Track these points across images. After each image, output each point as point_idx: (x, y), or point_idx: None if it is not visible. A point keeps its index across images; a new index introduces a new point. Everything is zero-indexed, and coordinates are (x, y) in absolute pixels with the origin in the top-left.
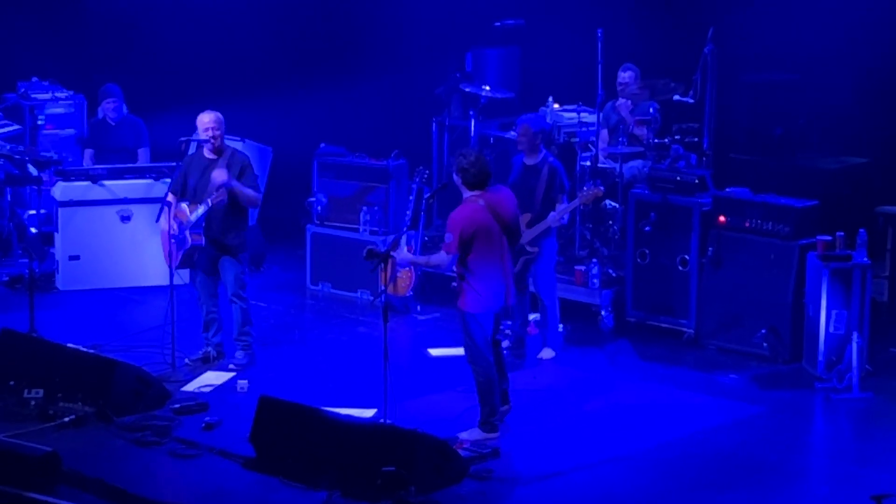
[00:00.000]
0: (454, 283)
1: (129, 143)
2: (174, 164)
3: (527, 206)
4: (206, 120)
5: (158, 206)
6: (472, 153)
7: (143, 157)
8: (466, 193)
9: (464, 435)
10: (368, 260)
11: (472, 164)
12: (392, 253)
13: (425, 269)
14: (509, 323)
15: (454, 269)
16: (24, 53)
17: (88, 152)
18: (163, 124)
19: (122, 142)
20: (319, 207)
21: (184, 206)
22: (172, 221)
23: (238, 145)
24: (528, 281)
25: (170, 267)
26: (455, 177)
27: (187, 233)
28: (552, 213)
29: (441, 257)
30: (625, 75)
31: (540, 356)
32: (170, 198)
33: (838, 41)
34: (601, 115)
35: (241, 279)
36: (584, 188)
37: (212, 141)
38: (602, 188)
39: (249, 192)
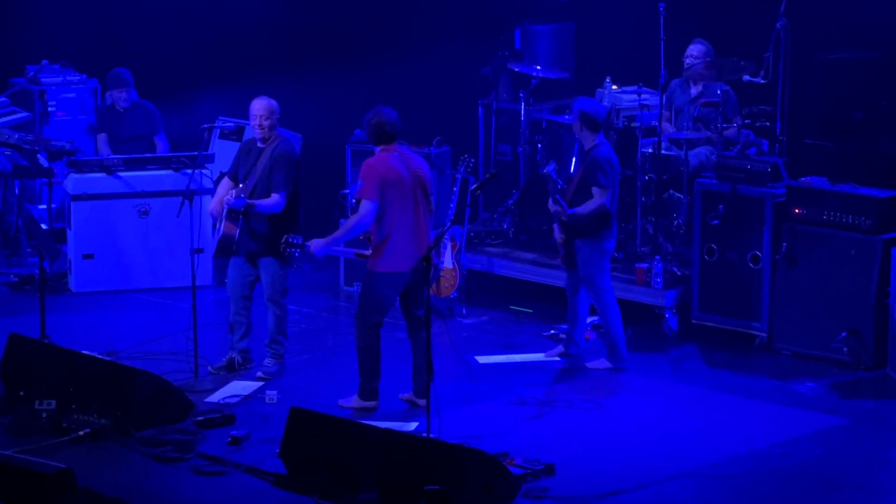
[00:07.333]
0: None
1: (142, 131)
2: (195, 153)
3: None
4: (255, 108)
5: (179, 199)
6: (377, 111)
7: (161, 146)
8: (379, 148)
9: (342, 403)
10: (286, 248)
11: (385, 117)
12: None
13: (352, 242)
14: (565, 327)
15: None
16: (34, 35)
17: (102, 137)
18: (180, 110)
19: (133, 129)
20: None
21: (232, 192)
22: (216, 205)
23: None
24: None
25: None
26: (368, 137)
27: (222, 221)
28: (552, 205)
29: (361, 209)
30: (691, 48)
31: (588, 365)
32: (224, 182)
33: None
34: (665, 96)
35: (280, 283)
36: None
37: (258, 130)
38: (556, 205)
39: (263, 205)
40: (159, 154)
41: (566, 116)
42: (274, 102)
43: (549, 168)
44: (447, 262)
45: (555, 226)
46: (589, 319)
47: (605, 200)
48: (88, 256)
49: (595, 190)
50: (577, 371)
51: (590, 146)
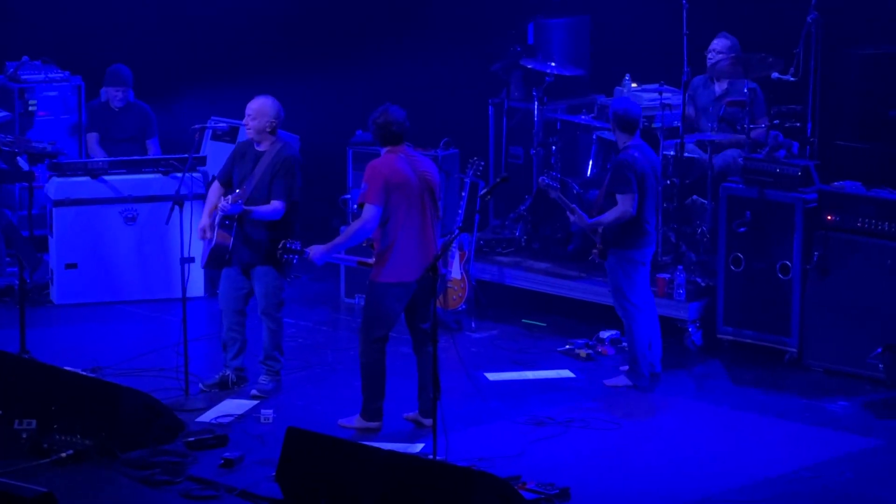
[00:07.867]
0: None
1: (136, 133)
2: (186, 155)
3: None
4: (249, 107)
5: (169, 205)
6: (384, 109)
7: (153, 151)
8: (385, 149)
9: (343, 422)
10: (284, 255)
11: (393, 116)
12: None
13: (351, 249)
14: (582, 342)
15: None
16: (13, 29)
17: (93, 136)
18: (170, 108)
19: (126, 131)
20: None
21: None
22: (206, 216)
23: None
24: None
25: (180, 270)
26: (373, 137)
27: (215, 229)
28: (570, 214)
29: (364, 214)
30: (715, 43)
31: (605, 382)
32: (214, 188)
33: None
34: (687, 94)
35: (275, 295)
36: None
37: (248, 131)
38: (573, 214)
39: (261, 211)
40: (147, 157)
41: (582, 116)
42: (269, 104)
43: (544, 178)
44: (455, 272)
45: (596, 239)
46: (607, 333)
47: (628, 207)
48: (71, 266)
49: (618, 196)
50: (594, 389)
51: (622, 148)
